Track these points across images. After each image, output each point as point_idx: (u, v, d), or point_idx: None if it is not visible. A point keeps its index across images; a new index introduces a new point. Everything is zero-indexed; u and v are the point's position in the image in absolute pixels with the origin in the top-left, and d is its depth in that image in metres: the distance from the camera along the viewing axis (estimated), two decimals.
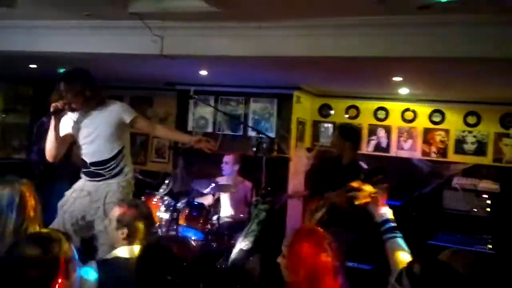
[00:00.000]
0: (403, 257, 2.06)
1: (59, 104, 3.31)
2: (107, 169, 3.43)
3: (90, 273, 2.23)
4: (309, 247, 2.10)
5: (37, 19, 4.19)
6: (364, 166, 3.90)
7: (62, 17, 4.06)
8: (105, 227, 3.01)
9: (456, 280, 1.69)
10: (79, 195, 3.46)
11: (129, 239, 2.48)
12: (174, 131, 4.37)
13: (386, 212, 2.19)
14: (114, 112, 3.44)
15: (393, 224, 2.13)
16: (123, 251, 2.44)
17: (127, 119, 3.44)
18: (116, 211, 2.56)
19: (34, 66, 5.69)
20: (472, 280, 2.19)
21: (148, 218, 2.59)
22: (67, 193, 3.51)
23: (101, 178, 3.44)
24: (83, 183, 3.51)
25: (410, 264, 1.72)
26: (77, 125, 3.49)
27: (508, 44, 3.15)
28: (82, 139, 3.49)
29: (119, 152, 3.47)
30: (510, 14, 3.01)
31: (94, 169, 3.44)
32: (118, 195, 3.39)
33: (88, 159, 3.47)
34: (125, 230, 2.47)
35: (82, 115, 3.48)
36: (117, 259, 2.40)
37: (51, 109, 3.31)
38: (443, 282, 1.66)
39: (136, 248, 2.39)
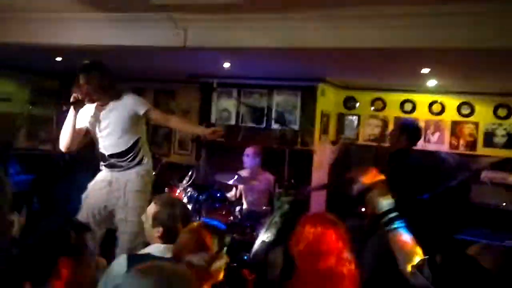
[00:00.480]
0: (412, 247, 1.98)
1: (78, 95, 3.38)
2: (126, 160, 3.51)
3: (121, 266, 2.22)
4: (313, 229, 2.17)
5: (62, 11, 4.22)
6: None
7: (86, 9, 4.08)
8: (135, 222, 3.06)
9: (478, 272, 1.64)
10: (100, 186, 3.54)
11: (164, 239, 2.45)
12: (189, 123, 4.41)
13: (386, 202, 2.12)
14: (128, 104, 3.50)
15: (393, 214, 2.06)
16: (156, 249, 2.42)
17: (141, 111, 3.50)
18: (152, 208, 2.53)
19: (60, 59, 5.75)
20: (500, 275, 2.12)
21: (185, 218, 2.54)
22: (90, 185, 3.60)
23: (120, 169, 3.51)
24: (104, 174, 3.59)
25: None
26: (93, 118, 3.57)
27: None
28: (99, 132, 3.58)
29: (136, 143, 3.54)
30: None
31: (114, 161, 3.52)
32: (138, 183, 3.48)
33: (106, 152, 3.55)
34: (161, 229, 2.45)
35: (98, 108, 3.56)
36: (149, 256, 2.36)
37: (71, 100, 3.39)
38: (464, 274, 1.61)
39: (170, 248, 2.34)
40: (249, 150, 5.29)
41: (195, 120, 6.85)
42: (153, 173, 3.74)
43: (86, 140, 3.74)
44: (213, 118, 6.57)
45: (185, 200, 4.94)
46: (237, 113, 6.41)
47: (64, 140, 3.50)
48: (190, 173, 5.25)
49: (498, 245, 3.58)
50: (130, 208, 3.45)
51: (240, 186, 5.41)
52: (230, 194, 5.37)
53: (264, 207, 5.01)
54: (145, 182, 3.54)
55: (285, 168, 4.67)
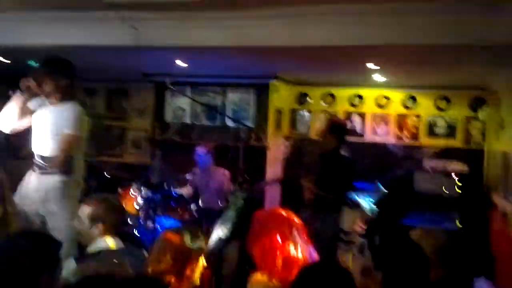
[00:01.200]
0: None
1: (32, 85, 3.31)
2: (52, 166, 3.36)
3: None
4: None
5: (10, 9, 4.13)
6: (345, 154, 4.15)
7: (37, 8, 4.00)
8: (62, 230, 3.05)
9: (413, 250, 1.81)
10: (25, 189, 3.42)
11: (107, 233, 2.52)
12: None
13: None
14: (65, 115, 3.37)
15: None
16: (104, 243, 2.49)
17: (64, 128, 3.34)
18: (85, 209, 2.56)
19: (7, 61, 5.61)
20: (438, 254, 2.32)
21: (120, 209, 2.63)
22: (19, 187, 3.45)
23: (43, 171, 3.38)
24: (32, 177, 3.44)
25: (371, 236, 1.85)
26: (36, 112, 3.47)
27: (479, 30, 3.25)
28: (35, 129, 3.47)
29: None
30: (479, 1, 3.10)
31: (41, 163, 3.39)
32: (60, 192, 3.34)
33: (35, 150, 3.44)
34: (100, 225, 2.51)
35: (44, 104, 3.46)
36: (101, 252, 2.44)
37: (23, 86, 3.31)
38: (400, 252, 1.78)
39: (110, 240, 2.46)
40: (200, 150, 5.35)
41: (150, 119, 6.87)
42: (80, 185, 3.54)
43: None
44: (167, 117, 6.60)
45: (140, 200, 4.97)
46: (192, 112, 6.47)
47: (8, 122, 3.40)
48: (144, 172, 5.29)
49: (438, 229, 3.83)
50: (53, 217, 3.34)
51: (195, 184, 5.48)
52: (185, 192, 5.43)
53: (220, 204, 5.10)
54: (68, 192, 3.39)
55: (239, 165, 4.78)
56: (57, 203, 3.34)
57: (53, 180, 3.36)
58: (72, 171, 3.43)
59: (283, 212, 2.44)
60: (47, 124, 3.41)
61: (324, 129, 4.23)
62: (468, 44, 3.35)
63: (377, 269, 1.73)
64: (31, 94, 3.38)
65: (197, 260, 2.26)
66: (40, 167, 3.41)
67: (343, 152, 4.25)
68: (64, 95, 3.45)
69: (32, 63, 5.60)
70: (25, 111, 3.45)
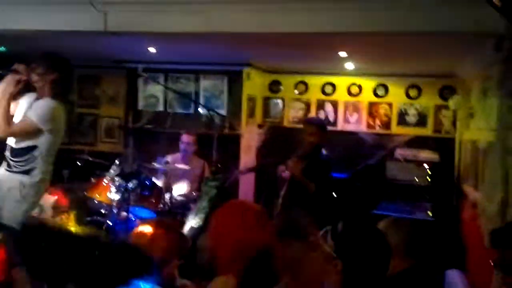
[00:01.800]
0: None
1: (23, 78, 3.22)
2: (16, 163, 3.26)
3: None
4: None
5: None
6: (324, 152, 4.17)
7: None
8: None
9: (374, 238, 1.84)
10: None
11: (69, 223, 2.50)
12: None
13: None
14: (38, 108, 3.24)
15: None
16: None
17: (29, 115, 3.21)
18: (49, 199, 2.52)
19: None
20: (406, 244, 2.37)
21: (85, 200, 2.61)
22: None
23: (9, 170, 3.28)
24: (1, 171, 3.34)
25: (335, 224, 1.87)
26: (17, 102, 3.36)
27: (448, 18, 3.29)
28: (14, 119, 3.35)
29: (28, 149, 3.26)
30: None
31: (8, 157, 3.29)
32: (18, 193, 3.23)
33: (8, 142, 3.32)
34: (65, 215, 2.49)
35: (31, 97, 3.37)
36: None
37: (16, 78, 3.20)
38: (362, 240, 1.81)
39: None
40: (187, 138, 5.29)
41: (122, 107, 6.77)
42: (41, 187, 3.36)
43: None
44: (140, 105, 6.51)
45: (113, 189, 4.91)
46: (165, 99, 6.40)
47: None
48: (117, 161, 5.21)
49: (405, 219, 3.90)
50: (5, 218, 3.20)
51: (169, 173, 5.44)
52: (159, 181, 5.38)
53: (195, 193, 5.08)
54: (26, 193, 3.24)
55: (213, 153, 4.76)
56: (11, 203, 3.22)
57: (15, 179, 3.24)
58: (34, 174, 3.28)
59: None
60: (20, 116, 3.31)
61: (313, 130, 4.26)
62: (433, 32, 3.40)
63: (338, 257, 1.75)
64: (21, 86, 3.27)
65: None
66: (8, 164, 3.29)
67: (324, 151, 4.29)
68: (53, 91, 3.33)
69: (1, 49, 5.45)
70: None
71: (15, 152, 3.29)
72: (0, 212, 3.26)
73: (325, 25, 3.55)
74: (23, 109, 3.36)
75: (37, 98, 3.35)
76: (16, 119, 3.36)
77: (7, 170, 3.31)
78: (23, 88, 3.34)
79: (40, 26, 4.14)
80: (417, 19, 3.37)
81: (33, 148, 3.27)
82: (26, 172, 3.26)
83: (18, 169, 3.26)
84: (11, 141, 3.33)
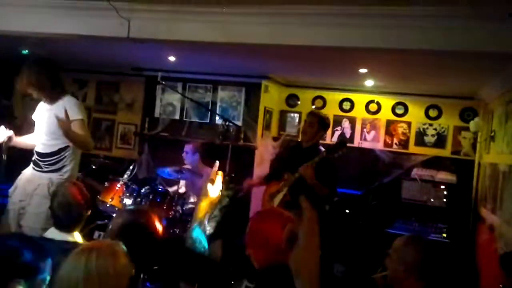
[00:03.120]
0: None
1: (33, 93, 3.36)
2: (46, 163, 3.42)
3: None
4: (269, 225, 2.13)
5: None
6: (322, 148, 4.08)
7: None
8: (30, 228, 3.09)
9: None
10: (19, 182, 3.46)
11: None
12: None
13: None
14: (63, 107, 3.37)
15: None
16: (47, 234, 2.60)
17: (71, 117, 3.33)
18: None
19: None
20: (423, 263, 2.29)
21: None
22: (16, 180, 3.51)
23: (39, 169, 3.44)
24: (28, 170, 3.50)
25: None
26: (39, 111, 3.53)
27: (473, 38, 3.24)
28: (36, 127, 3.54)
29: (62, 149, 3.43)
30: (476, 7, 3.09)
31: (37, 159, 3.46)
32: (46, 190, 3.32)
33: (37, 148, 3.49)
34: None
35: (43, 102, 3.52)
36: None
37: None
38: None
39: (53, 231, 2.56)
40: (187, 147, 5.32)
41: (139, 114, 6.80)
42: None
43: None
44: (157, 112, 6.54)
45: (126, 194, 4.92)
46: (182, 108, 6.42)
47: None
48: (131, 167, 5.23)
49: (424, 238, 3.80)
50: (29, 213, 3.34)
51: (182, 182, 5.43)
52: (173, 189, 5.38)
53: None
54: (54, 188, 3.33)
55: (227, 164, 4.74)
56: (37, 199, 3.33)
57: (44, 177, 3.38)
58: (64, 171, 3.44)
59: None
60: (44, 122, 3.45)
61: (313, 120, 4.17)
62: (459, 51, 3.34)
63: None
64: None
65: None
66: (36, 164, 3.45)
67: (322, 148, 4.20)
68: (56, 91, 3.42)
69: (25, 52, 5.53)
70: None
71: (44, 154, 3.42)
72: (26, 209, 3.34)
73: (345, 40, 3.52)
74: (43, 117, 3.44)
75: (45, 102, 3.43)
76: (37, 127, 3.46)
77: (36, 170, 3.44)
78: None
79: (64, 31, 4.18)
80: (441, 38, 3.32)
81: (65, 148, 3.39)
82: (56, 171, 3.40)
83: (48, 168, 3.41)
84: (39, 148, 3.47)
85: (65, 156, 3.44)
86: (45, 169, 3.41)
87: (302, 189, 3.80)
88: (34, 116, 3.60)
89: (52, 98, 3.43)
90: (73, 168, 3.51)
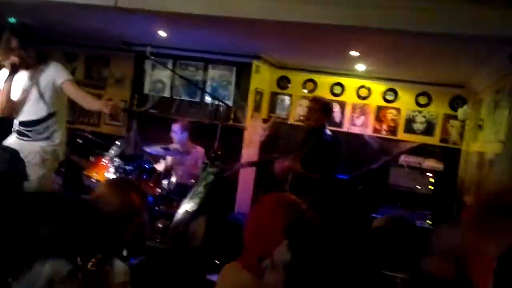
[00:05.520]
0: None
1: (15, 60, 3.25)
2: (33, 131, 3.35)
3: None
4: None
5: None
6: (328, 132, 4.09)
7: None
8: None
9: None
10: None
11: None
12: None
13: None
14: (49, 72, 3.35)
15: None
16: None
17: (59, 80, 3.33)
18: None
19: None
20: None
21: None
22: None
23: (26, 139, 3.36)
24: (12, 140, 3.41)
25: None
26: (14, 80, 3.40)
27: (465, 21, 3.21)
28: (15, 96, 3.41)
29: (49, 116, 3.38)
30: None
31: (22, 129, 3.37)
32: (39, 158, 3.30)
33: (18, 118, 3.40)
34: None
35: (21, 71, 3.40)
36: None
37: (9, 67, 3.25)
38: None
39: None
40: (175, 126, 5.27)
41: (128, 90, 6.72)
42: (61, 152, 3.53)
43: None
44: (146, 89, 6.46)
45: (111, 170, 4.87)
46: (171, 85, 6.34)
47: (8, 108, 3.35)
48: (117, 142, 5.17)
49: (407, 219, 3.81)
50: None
51: (170, 159, 5.40)
52: (159, 166, 5.35)
53: (192, 180, 5.03)
54: (46, 159, 3.36)
55: (215, 143, 4.72)
56: (31, 168, 3.26)
57: (35, 145, 3.32)
58: (54, 138, 3.40)
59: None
60: (28, 89, 3.35)
61: (315, 106, 4.16)
62: (451, 34, 3.31)
63: None
64: (16, 70, 3.33)
65: None
66: (21, 134, 3.36)
67: (328, 132, 4.20)
68: (37, 57, 3.37)
69: (11, 20, 5.41)
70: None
71: (30, 122, 3.35)
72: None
73: (338, 18, 3.48)
74: (29, 83, 3.35)
75: (26, 68, 3.36)
76: (18, 94, 3.37)
77: (22, 139, 3.36)
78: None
79: None
80: (432, 19, 3.29)
81: (53, 114, 3.34)
82: (46, 138, 3.36)
83: (37, 136, 3.34)
84: (21, 116, 3.38)
85: (54, 122, 3.39)
86: (34, 138, 3.34)
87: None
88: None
89: (35, 65, 3.35)
90: (62, 134, 3.47)
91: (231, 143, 5.60)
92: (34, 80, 3.33)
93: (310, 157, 3.95)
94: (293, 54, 5.68)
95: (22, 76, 3.38)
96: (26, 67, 3.35)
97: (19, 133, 3.40)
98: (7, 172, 1.94)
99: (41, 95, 3.31)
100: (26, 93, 3.38)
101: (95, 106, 3.43)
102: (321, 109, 4.17)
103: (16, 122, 3.43)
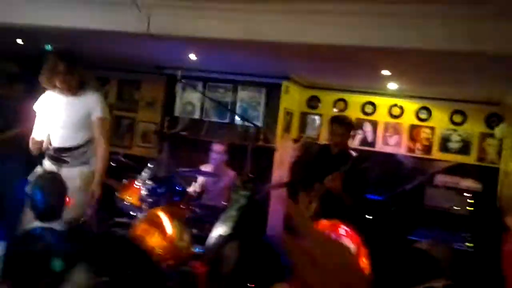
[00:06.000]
0: None
1: (61, 84, 3.37)
2: (71, 157, 3.42)
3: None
4: None
5: None
6: (354, 153, 3.98)
7: None
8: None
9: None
10: None
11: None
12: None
13: None
14: (87, 102, 3.43)
15: None
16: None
17: (93, 115, 3.41)
18: None
19: (20, 41, 5.58)
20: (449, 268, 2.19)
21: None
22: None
23: (64, 165, 3.41)
24: (47, 166, 3.47)
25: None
26: (51, 104, 3.48)
27: (499, 39, 3.12)
28: (53, 121, 3.49)
29: (87, 142, 3.46)
30: (507, 9, 2.98)
31: (59, 155, 3.43)
32: (79, 182, 3.35)
33: (54, 144, 3.46)
34: None
35: (59, 96, 3.49)
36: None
37: (53, 90, 3.37)
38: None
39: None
40: (217, 147, 5.25)
41: (159, 112, 6.80)
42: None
43: None
44: (176, 111, 6.53)
45: (144, 192, 4.89)
46: (201, 107, 6.39)
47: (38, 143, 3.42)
48: (150, 165, 5.20)
49: (447, 242, 3.68)
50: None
51: (201, 181, 5.39)
52: (191, 189, 5.35)
53: (224, 203, 5.01)
54: (87, 182, 3.42)
55: (246, 164, 4.70)
56: (73, 193, 3.30)
57: (72, 170, 3.37)
58: (91, 163, 3.47)
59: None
60: (69, 115, 3.44)
61: (345, 131, 4.05)
62: (483, 52, 3.22)
63: None
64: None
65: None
66: (57, 160, 3.41)
67: (351, 151, 4.10)
68: (79, 84, 3.44)
69: (48, 47, 5.57)
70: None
71: (68, 148, 3.42)
72: None
73: (367, 39, 3.44)
74: (66, 111, 3.41)
75: (65, 94, 3.42)
76: (53, 120, 3.42)
77: (58, 165, 3.40)
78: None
79: (84, 25, 4.19)
80: (464, 38, 3.21)
81: (90, 141, 3.40)
82: (84, 163, 3.45)
83: (75, 162, 3.41)
84: (59, 142, 3.41)
85: (90, 148, 3.46)
86: (72, 163, 3.40)
87: (332, 200, 3.72)
88: (38, 107, 3.54)
89: (75, 90, 3.41)
90: (103, 158, 3.53)
91: (261, 163, 5.57)
92: (73, 107, 3.40)
93: (347, 179, 3.83)
94: (323, 74, 5.65)
95: (61, 101, 3.45)
96: (68, 92, 3.41)
97: (55, 158, 3.44)
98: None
99: (81, 123, 3.39)
100: (63, 121, 3.45)
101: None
102: (349, 132, 4.10)
103: (50, 148, 3.48)
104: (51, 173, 2.79)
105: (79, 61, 3.49)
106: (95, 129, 3.44)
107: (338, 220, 3.54)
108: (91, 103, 3.43)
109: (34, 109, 3.54)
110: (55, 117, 3.47)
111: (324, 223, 1.98)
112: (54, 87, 3.44)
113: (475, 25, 3.15)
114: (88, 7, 4.04)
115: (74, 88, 3.43)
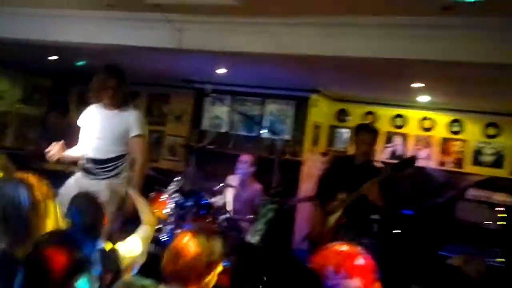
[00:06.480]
0: None
1: (108, 99, 3.45)
2: (104, 169, 3.44)
3: None
4: None
5: (55, 7, 4.22)
6: (379, 165, 3.88)
7: (82, 6, 4.09)
8: None
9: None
10: (67, 191, 3.34)
11: None
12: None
13: None
14: (128, 119, 3.48)
15: None
16: None
17: (131, 132, 3.45)
18: None
19: (54, 57, 5.74)
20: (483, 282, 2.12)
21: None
22: (61, 190, 3.44)
23: (94, 177, 3.45)
24: (77, 179, 3.50)
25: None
26: (93, 117, 3.55)
27: None
28: (92, 133, 3.54)
29: (122, 156, 3.49)
30: None
31: (92, 166, 3.47)
32: (107, 194, 3.34)
33: (89, 154, 3.50)
34: None
35: (102, 109, 3.56)
36: None
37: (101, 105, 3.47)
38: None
39: None
40: (245, 157, 5.21)
41: (187, 126, 6.86)
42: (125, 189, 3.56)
43: None
44: (204, 125, 6.57)
45: (170, 205, 4.91)
46: (229, 121, 6.41)
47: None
48: (177, 179, 5.23)
49: (480, 257, 3.55)
50: None
51: (228, 195, 5.38)
52: (217, 202, 5.33)
53: (250, 216, 4.97)
54: (115, 195, 3.42)
55: (273, 178, 4.67)
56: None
57: (101, 183, 3.40)
58: (121, 176, 3.49)
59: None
60: (109, 128, 3.50)
61: (373, 140, 3.92)
62: None
63: None
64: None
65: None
66: (88, 172, 3.47)
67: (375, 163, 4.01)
68: (124, 101, 3.51)
69: (80, 63, 5.72)
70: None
71: (102, 160, 3.46)
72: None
73: (398, 51, 3.39)
74: (106, 124, 3.49)
75: (107, 109, 3.48)
76: (91, 132, 3.49)
77: (90, 178, 3.46)
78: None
79: (116, 41, 4.29)
80: (497, 50, 3.14)
81: (124, 155, 3.45)
82: (115, 176, 3.46)
83: (106, 174, 3.45)
84: (94, 154, 3.48)
85: (124, 163, 3.50)
86: (103, 176, 3.43)
87: (359, 210, 3.63)
88: (82, 122, 3.63)
89: (119, 106, 3.49)
90: (127, 175, 3.56)
91: (289, 177, 5.54)
92: (114, 121, 3.47)
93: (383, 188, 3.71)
94: (352, 87, 5.61)
95: (103, 114, 3.51)
96: (113, 107, 3.48)
97: (87, 171, 3.49)
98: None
99: (119, 137, 3.44)
100: (102, 132, 3.50)
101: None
102: (376, 140, 3.94)
103: (85, 159, 3.53)
104: (86, 194, 2.75)
105: (124, 75, 3.55)
106: (133, 146, 3.48)
107: (362, 232, 3.48)
108: (131, 120, 3.49)
109: (78, 124, 3.64)
110: (94, 128, 3.53)
111: (342, 249, 1.85)
112: (100, 101, 3.51)
113: (511, 36, 3.08)
114: (121, 24, 4.13)
115: (119, 103, 3.49)
